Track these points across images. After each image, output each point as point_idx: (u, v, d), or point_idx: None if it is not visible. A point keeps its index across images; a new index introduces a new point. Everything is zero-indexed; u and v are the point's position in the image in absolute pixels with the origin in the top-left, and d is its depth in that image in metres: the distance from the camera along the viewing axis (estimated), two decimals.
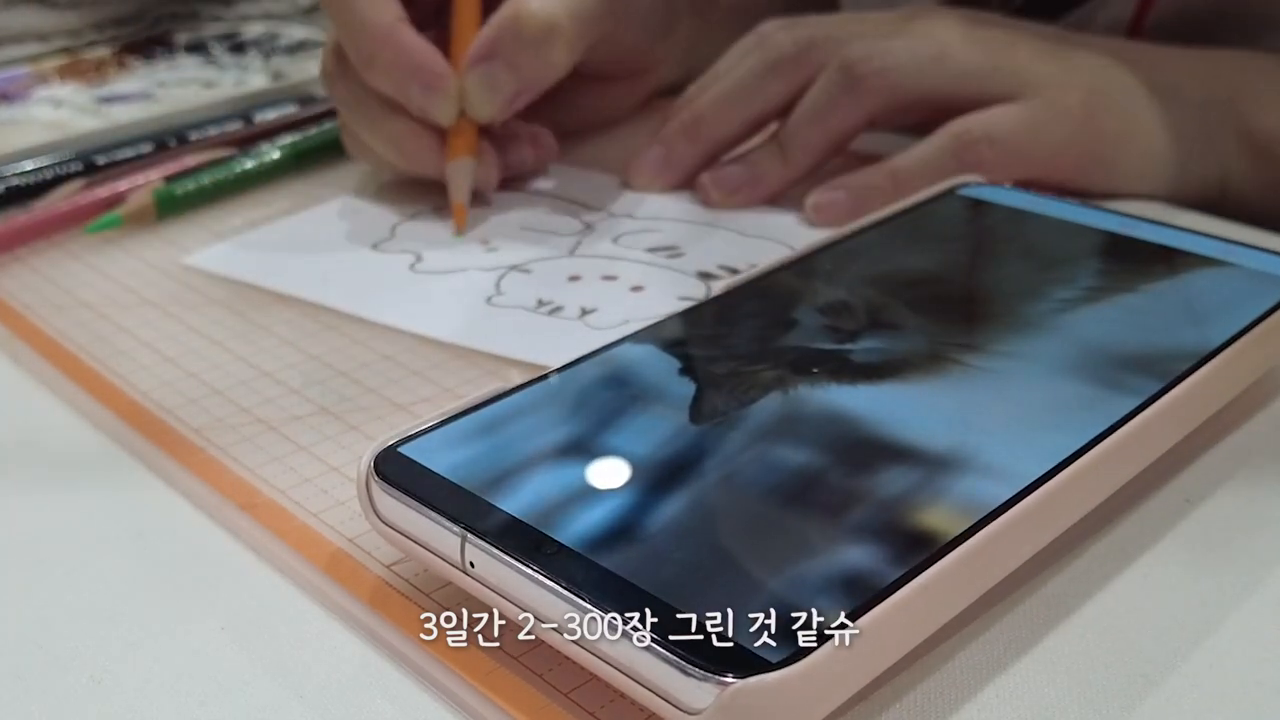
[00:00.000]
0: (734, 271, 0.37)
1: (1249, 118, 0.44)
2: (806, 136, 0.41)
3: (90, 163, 0.45)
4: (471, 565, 0.22)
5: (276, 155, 0.45)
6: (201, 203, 0.43)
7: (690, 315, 0.30)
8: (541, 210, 0.42)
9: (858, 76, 0.40)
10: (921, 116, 0.42)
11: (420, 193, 0.44)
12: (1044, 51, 0.42)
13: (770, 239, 0.40)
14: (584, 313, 0.35)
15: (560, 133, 0.47)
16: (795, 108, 0.42)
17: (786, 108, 0.42)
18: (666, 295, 0.36)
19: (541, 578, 0.21)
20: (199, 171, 0.43)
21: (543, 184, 0.44)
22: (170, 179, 0.43)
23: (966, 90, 0.41)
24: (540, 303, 0.36)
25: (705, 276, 0.37)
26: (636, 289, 0.37)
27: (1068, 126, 0.40)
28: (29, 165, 0.44)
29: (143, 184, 0.43)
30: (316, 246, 0.40)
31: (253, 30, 0.62)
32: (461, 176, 0.41)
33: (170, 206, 0.42)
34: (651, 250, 0.39)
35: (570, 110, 0.48)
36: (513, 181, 0.44)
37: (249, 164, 0.44)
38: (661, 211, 0.42)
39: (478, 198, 0.42)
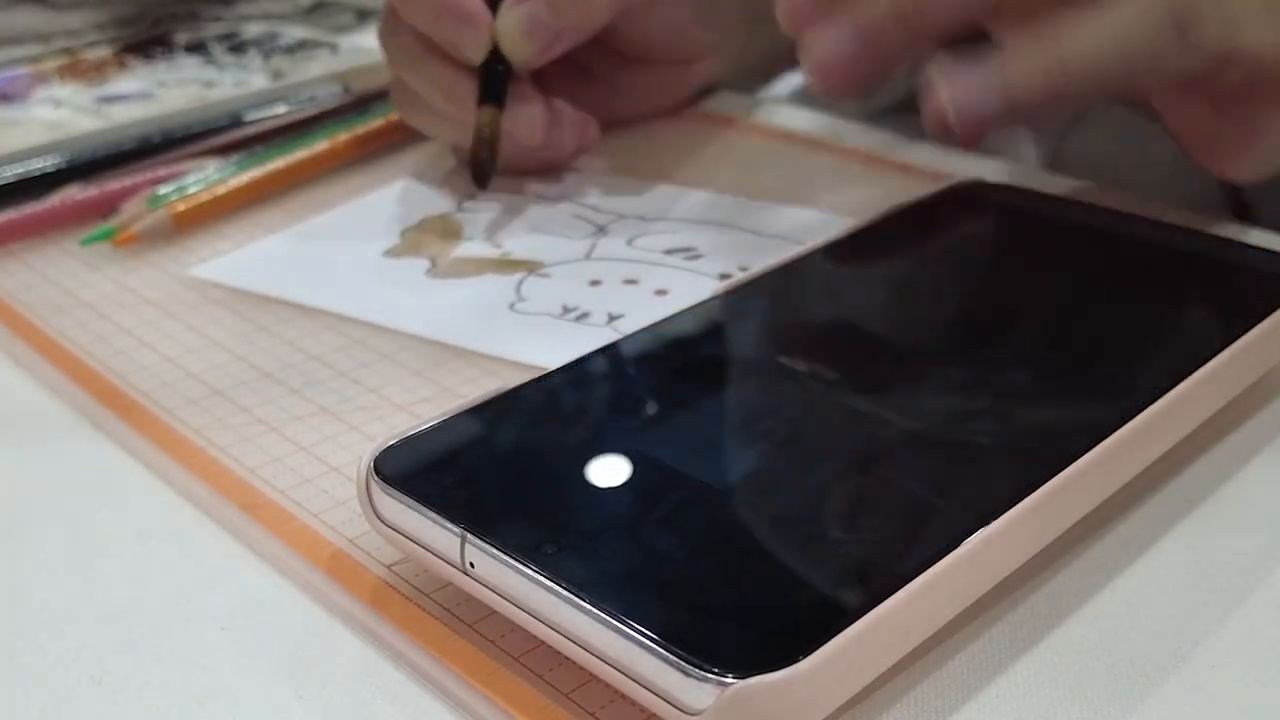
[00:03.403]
0: None
1: None
2: (1100, 75, 0.32)
3: (88, 164, 0.45)
4: (471, 566, 0.22)
5: (278, 164, 0.45)
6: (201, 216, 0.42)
7: (692, 315, 0.30)
8: (549, 213, 0.42)
9: (1184, 26, 0.31)
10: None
11: (428, 196, 0.44)
12: None
13: (787, 238, 0.40)
14: (611, 318, 0.35)
15: (609, 121, 0.46)
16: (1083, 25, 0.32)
17: None
18: (692, 298, 0.35)
19: (541, 578, 0.21)
20: (191, 184, 0.43)
21: (548, 187, 0.44)
22: (162, 195, 0.42)
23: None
24: (565, 309, 0.35)
25: (726, 278, 0.37)
26: (661, 292, 0.36)
27: (1149, 28, 0.32)
28: (28, 165, 0.44)
29: (137, 194, 0.42)
30: (325, 255, 0.40)
31: (253, 30, 0.62)
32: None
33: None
34: (669, 252, 0.39)
35: (619, 96, 0.47)
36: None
37: (245, 177, 0.44)
38: (673, 213, 0.42)
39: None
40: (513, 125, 0.41)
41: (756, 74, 0.44)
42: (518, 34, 0.40)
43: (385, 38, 0.43)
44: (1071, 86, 0.32)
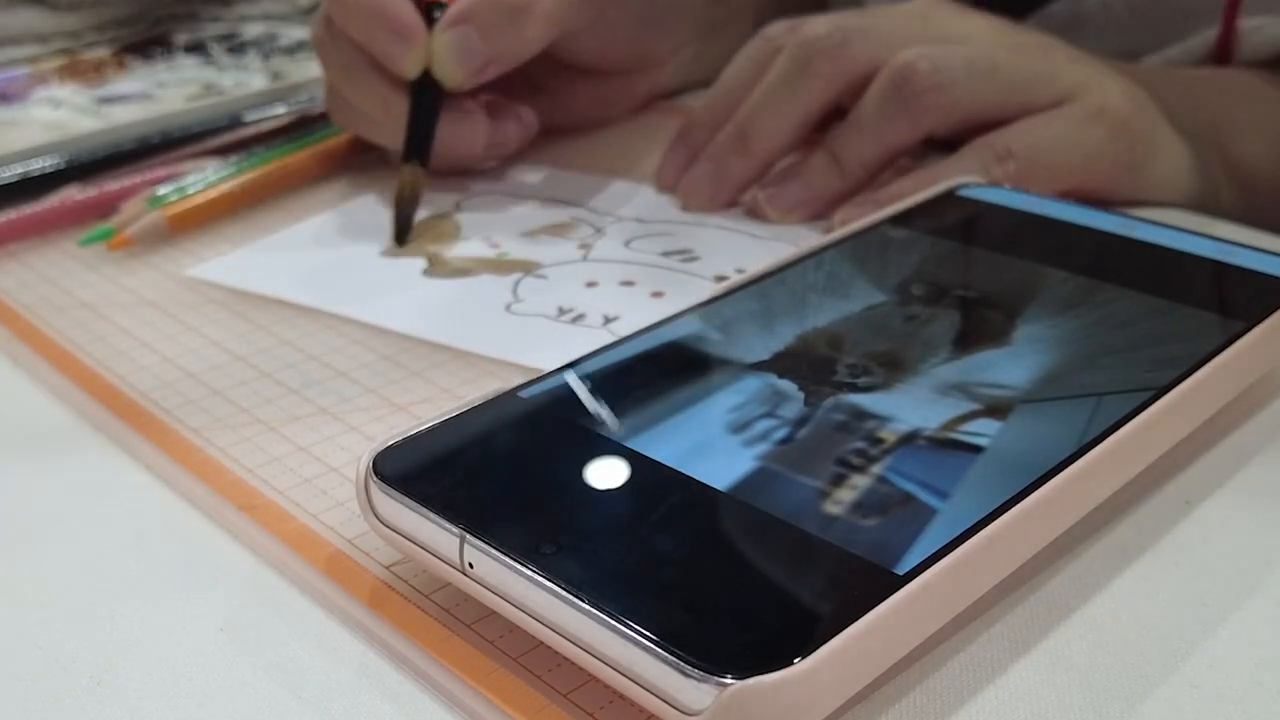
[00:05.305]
0: None
1: (1231, 146, 0.44)
2: (862, 151, 0.40)
3: (87, 164, 0.45)
4: (470, 566, 0.22)
5: (272, 164, 0.45)
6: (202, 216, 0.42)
7: (690, 316, 0.30)
8: (547, 214, 0.42)
9: (917, 91, 0.38)
10: (962, 129, 0.40)
11: (425, 197, 0.44)
12: (1074, 55, 0.41)
13: (783, 240, 0.40)
14: (607, 320, 0.35)
15: (554, 131, 0.47)
16: (848, 117, 0.40)
17: (831, 107, 0.41)
18: (687, 301, 0.35)
19: (540, 578, 0.21)
20: (190, 184, 0.43)
21: (545, 188, 0.44)
22: (161, 196, 0.42)
23: (1014, 101, 0.39)
24: (561, 310, 0.35)
25: (722, 280, 0.36)
26: (657, 294, 0.36)
27: (1103, 131, 0.39)
28: (28, 165, 0.44)
29: (136, 194, 0.42)
30: (323, 255, 0.40)
31: (252, 30, 0.62)
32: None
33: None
34: (665, 254, 0.39)
35: (564, 106, 0.47)
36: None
37: (244, 177, 0.44)
38: (670, 215, 0.42)
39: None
40: (453, 138, 0.42)
41: (711, 82, 0.44)
42: (449, 58, 0.40)
43: (320, 45, 0.43)
44: (846, 166, 0.40)
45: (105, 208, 0.42)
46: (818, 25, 0.41)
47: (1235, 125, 0.45)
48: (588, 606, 0.20)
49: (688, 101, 0.51)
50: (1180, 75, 0.47)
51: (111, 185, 0.43)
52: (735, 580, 0.21)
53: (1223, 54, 0.49)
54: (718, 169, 0.42)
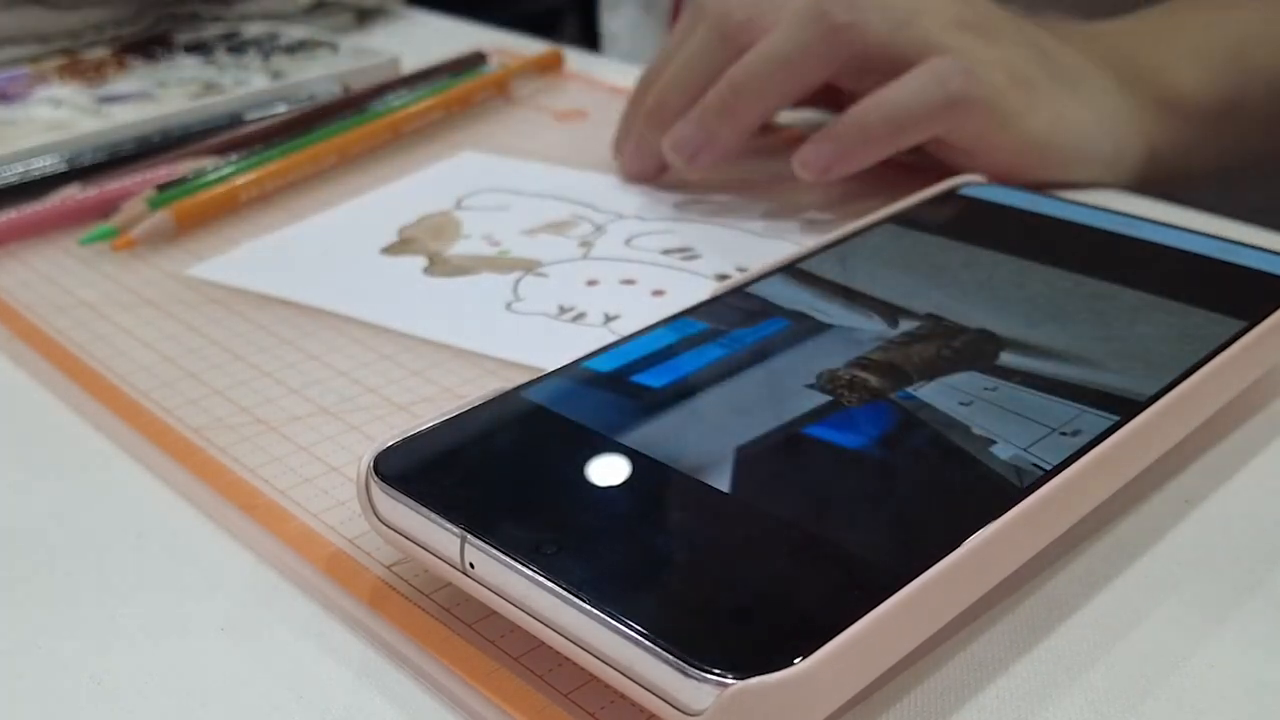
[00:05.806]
0: None
1: (1156, 84, 0.44)
2: (764, 84, 0.40)
3: (87, 164, 0.45)
4: (471, 566, 0.22)
5: (273, 162, 0.45)
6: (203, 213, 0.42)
7: (690, 315, 0.30)
8: (547, 211, 0.42)
9: (836, 25, 0.38)
10: (858, 85, 0.40)
11: (426, 195, 0.44)
12: (979, 29, 0.41)
13: (784, 239, 0.40)
14: (608, 319, 0.35)
15: None
16: (749, 51, 0.40)
17: None
18: (688, 299, 0.35)
19: (541, 579, 0.21)
20: (191, 181, 0.43)
21: (545, 185, 0.44)
22: (163, 189, 0.42)
23: (923, 58, 0.39)
24: (562, 309, 0.35)
25: (723, 279, 0.37)
26: (657, 293, 0.36)
27: (1013, 106, 0.40)
28: (28, 165, 0.44)
29: (136, 193, 0.42)
30: (324, 253, 0.40)
31: (253, 30, 0.62)
32: None
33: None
34: (666, 252, 0.39)
35: None
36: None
37: (245, 176, 0.44)
38: (671, 213, 0.42)
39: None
40: None
41: None
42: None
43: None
44: (740, 102, 0.40)
45: (105, 208, 0.42)
46: None
47: (1156, 60, 0.44)
48: (588, 606, 0.20)
49: None
50: (1086, 27, 0.46)
51: (111, 185, 0.43)
52: (735, 580, 0.21)
53: None
54: (639, 143, 0.43)
